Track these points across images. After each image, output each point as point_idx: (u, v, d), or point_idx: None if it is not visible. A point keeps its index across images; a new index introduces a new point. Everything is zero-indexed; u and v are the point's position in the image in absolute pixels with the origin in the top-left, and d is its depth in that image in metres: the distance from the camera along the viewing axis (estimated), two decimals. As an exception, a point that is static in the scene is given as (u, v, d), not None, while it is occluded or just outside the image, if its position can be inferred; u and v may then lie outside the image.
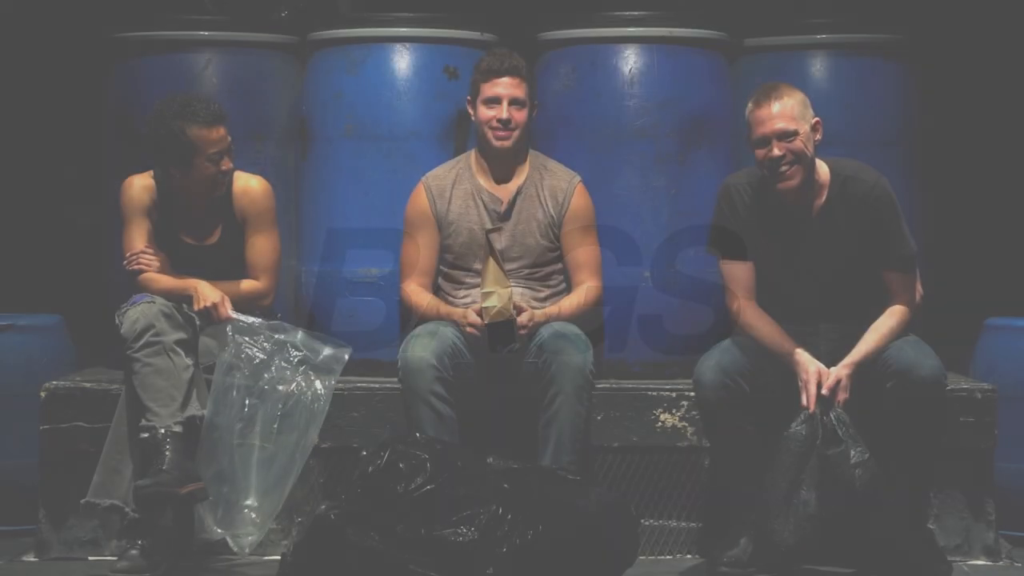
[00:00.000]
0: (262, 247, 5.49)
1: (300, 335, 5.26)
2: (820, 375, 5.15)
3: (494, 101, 5.55)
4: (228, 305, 5.29)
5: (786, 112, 5.21)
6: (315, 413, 5.20)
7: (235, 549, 5.16)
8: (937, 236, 6.04)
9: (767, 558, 5.21)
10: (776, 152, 5.20)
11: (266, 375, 5.20)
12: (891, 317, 5.26)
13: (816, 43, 6.01)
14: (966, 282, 7.19)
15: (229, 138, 5.39)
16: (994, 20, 6.95)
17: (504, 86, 5.54)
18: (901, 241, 5.29)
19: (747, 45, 6.08)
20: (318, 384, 5.21)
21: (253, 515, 5.14)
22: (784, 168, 5.21)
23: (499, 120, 5.53)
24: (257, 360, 5.21)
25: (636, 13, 5.92)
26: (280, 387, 5.19)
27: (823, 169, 5.32)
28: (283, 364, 5.21)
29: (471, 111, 5.63)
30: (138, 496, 5.04)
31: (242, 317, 5.27)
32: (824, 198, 5.29)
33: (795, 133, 5.20)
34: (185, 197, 5.43)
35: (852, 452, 5.02)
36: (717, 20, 6.04)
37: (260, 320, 5.27)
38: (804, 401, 5.13)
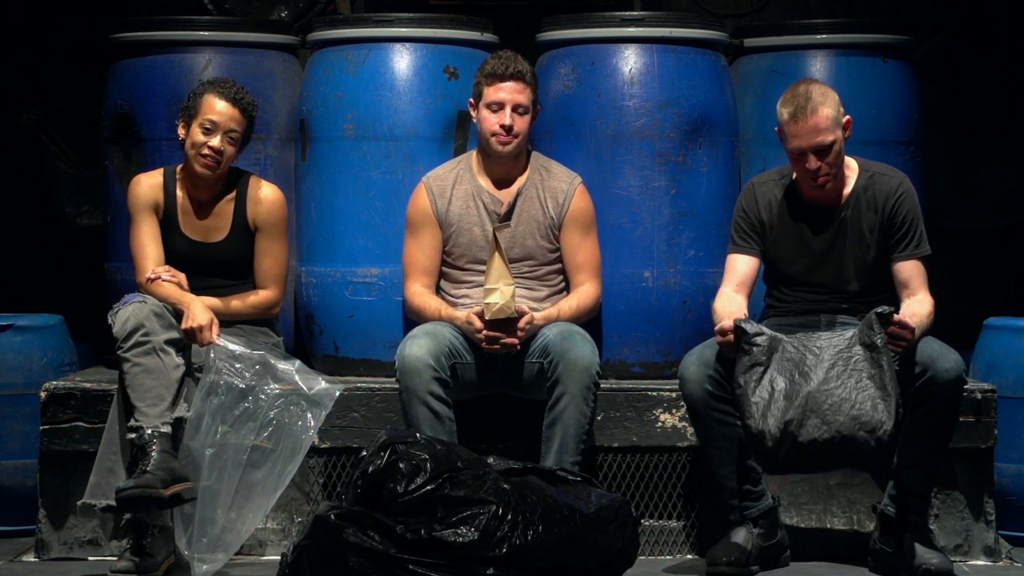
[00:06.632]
0: (275, 256, 5.50)
1: (297, 364, 5.19)
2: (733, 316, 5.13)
3: (496, 106, 5.53)
4: (215, 330, 5.22)
5: (822, 125, 5.17)
6: (299, 445, 5.08)
7: (193, 573, 5.08)
8: (937, 235, 6.05)
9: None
10: (813, 165, 5.20)
11: (243, 405, 5.07)
12: (923, 304, 5.23)
13: (816, 43, 6.01)
14: (965, 282, 7.20)
15: (239, 128, 5.39)
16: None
17: (507, 91, 5.52)
18: (922, 240, 5.30)
19: (747, 45, 6.08)
20: (309, 416, 5.11)
21: (216, 543, 5.06)
22: (820, 180, 5.22)
23: (501, 126, 5.52)
24: (236, 389, 5.07)
25: (636, 13, 5.93)
26: (251, 422, 5.06)
27: (851, 163, 5.33)
28: (261, 396, 5.08)
29: (473, 113, 5.62)
30: (120, 499, 4.97)
31: (228, 344, 5.16)
32: (850, 190, 5.30)
33: (832, 144, 5.20)
34: (191, 189, 5.44)
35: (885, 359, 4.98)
36: (717, 20, 6.05)
37: (245, 349, 5.15)
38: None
